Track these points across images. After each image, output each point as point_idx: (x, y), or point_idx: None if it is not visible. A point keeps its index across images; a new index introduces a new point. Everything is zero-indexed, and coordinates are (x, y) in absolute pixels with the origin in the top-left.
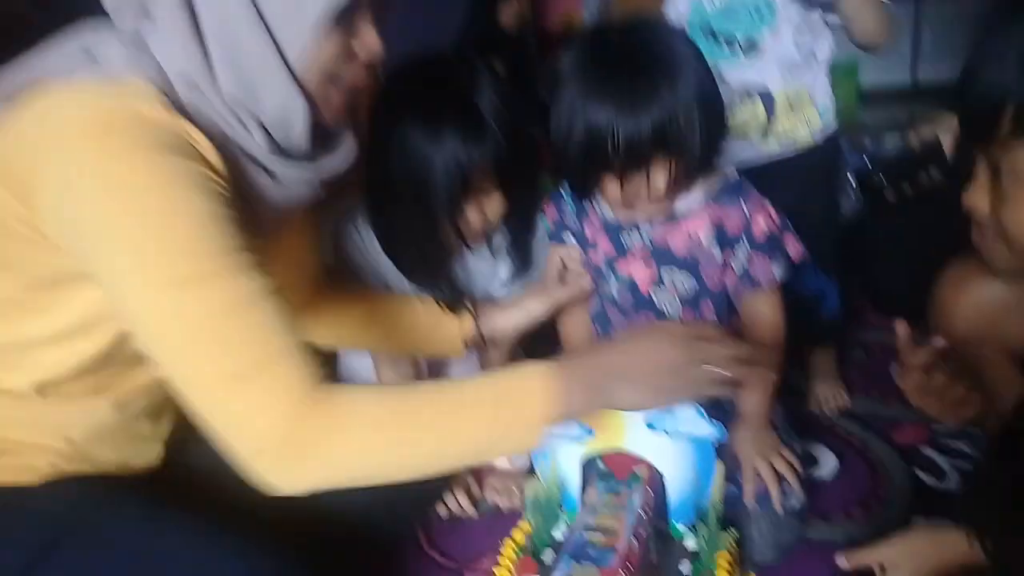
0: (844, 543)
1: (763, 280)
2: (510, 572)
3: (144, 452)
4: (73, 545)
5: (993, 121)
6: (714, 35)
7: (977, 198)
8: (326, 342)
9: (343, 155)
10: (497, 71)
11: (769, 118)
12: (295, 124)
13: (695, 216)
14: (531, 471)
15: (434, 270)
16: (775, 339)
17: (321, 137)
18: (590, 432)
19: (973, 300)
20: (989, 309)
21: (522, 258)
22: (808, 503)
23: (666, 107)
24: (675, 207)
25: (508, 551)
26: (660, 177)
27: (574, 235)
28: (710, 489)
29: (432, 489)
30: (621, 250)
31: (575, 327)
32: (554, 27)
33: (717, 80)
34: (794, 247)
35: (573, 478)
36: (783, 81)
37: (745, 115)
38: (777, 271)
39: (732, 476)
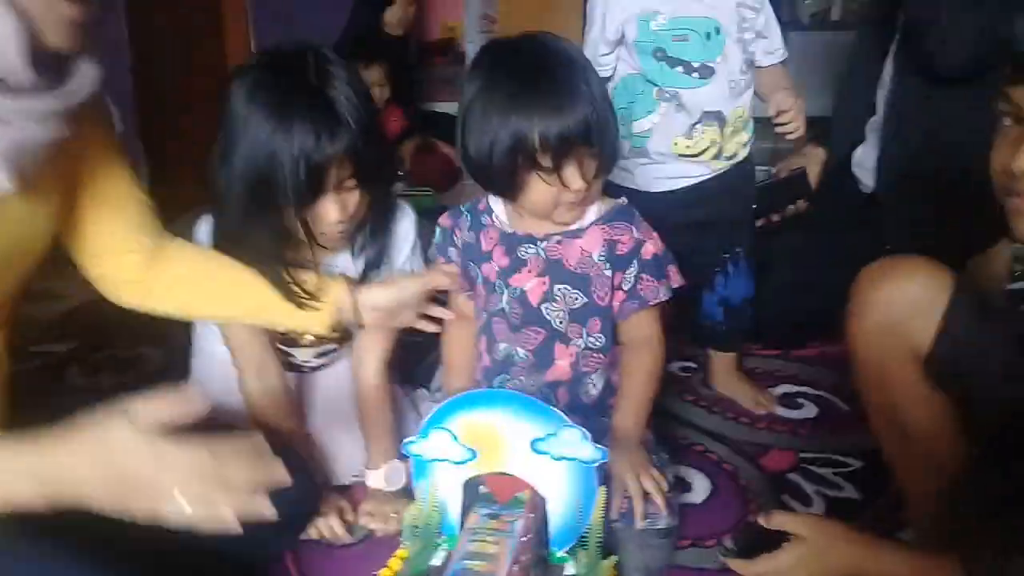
0: (717, 569)
1: (650, 299)
2: None
3: None
4: None
5: None
6: (667, 59)
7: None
8: (179, 308)
9: (81, 84)
10: (350, 67)
11: (721, 140)
12: (7, 47)
13: (588, 234)
14: (409, 494)
15: (273, 266)
16: (655, 357)
17: (51, 65)
18: (473, 455)
19: (889, 296)
20: (903, 306)
21: (376, 254)
22: (680, 528)
23: (585, 102)
24: (567, 224)
25: None
26: (587, 171)
27: (468, 247)
28: (591, 514)
29: (301, 513)
30: (516, 263)
31: (457, 346)
32: (434, 35)
33: (677, 104)
34: (675, 276)
35: (453, 502)
36: (731, 103)
37: (706, 139)
38: (663, 292)
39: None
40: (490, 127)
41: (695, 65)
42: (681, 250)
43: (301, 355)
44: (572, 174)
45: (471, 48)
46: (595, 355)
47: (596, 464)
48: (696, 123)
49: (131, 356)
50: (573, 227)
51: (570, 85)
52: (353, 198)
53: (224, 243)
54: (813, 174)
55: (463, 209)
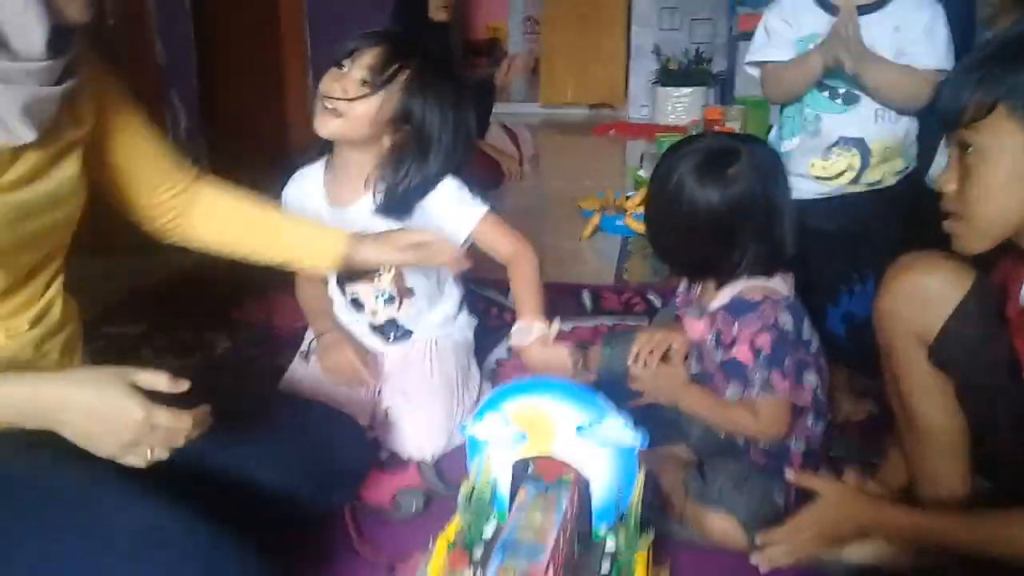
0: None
1: (721, 390)
2: (442, 567)
3: None
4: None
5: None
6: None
7: (945, 181)
8: (204, 242)
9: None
10: None
11: (863, 168)
12: (31, 26)
13: (708, 316)
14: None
15: None
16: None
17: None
18: (524, 437)
19: (905, 284)
20: (917, 295)
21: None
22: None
23: None
24: (709, 304)
25: (440, 546)
26: None
27: None
28: (632, 494)
29: (356, 469)
30: None
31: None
32: (479, 36)
33: (815, 128)
34: (780, 384)
35: (504, 480)
36: (876, 132)
37: (841, 164)
38: (730, 391)
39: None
40: None
41: (840, 91)
42: (809, 258)
43: (363, 294)
44: None
45: (515, 50)
46: None
47: (637, 449)
48: (832, 146)
49: (196, 341)
50: (709, 307)
51: None
52: (353, 87)
53: None
54: None
55: None
